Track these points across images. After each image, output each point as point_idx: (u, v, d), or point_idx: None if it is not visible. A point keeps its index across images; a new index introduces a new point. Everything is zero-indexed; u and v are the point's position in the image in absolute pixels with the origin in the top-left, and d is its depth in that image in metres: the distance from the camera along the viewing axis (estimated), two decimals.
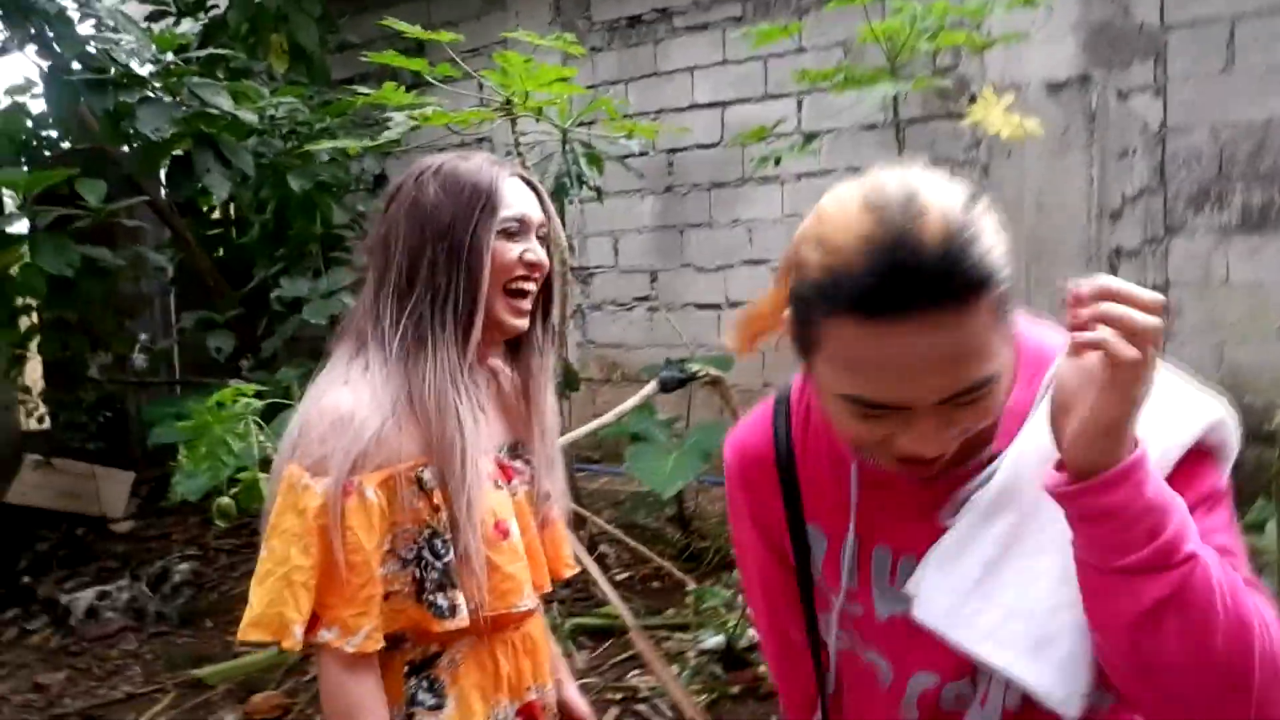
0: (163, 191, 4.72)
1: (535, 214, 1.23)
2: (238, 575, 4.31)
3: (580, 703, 1.42)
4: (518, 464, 1.27)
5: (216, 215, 5.59)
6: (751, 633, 2.92)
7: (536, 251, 1.21)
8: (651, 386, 3.21)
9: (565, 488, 1.37)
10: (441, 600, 1.13)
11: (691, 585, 3.23)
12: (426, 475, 1.13)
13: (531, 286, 1.22)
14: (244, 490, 2.50)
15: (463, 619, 1.13)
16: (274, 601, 1.07)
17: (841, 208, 0.77)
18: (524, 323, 1.23)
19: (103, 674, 3.64)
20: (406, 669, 1.17)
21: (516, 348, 1.30)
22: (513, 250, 1.19)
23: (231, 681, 3.32)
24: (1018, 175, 4.01)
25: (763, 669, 2.81)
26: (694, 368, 3.33)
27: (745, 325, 0.93)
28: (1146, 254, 3.81)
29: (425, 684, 1.17)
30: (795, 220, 4.22)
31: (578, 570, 1.44)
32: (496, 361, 1.29)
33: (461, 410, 1.13)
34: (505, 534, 1.19)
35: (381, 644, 1.11)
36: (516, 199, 1.21)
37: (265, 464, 2.55)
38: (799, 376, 0.99)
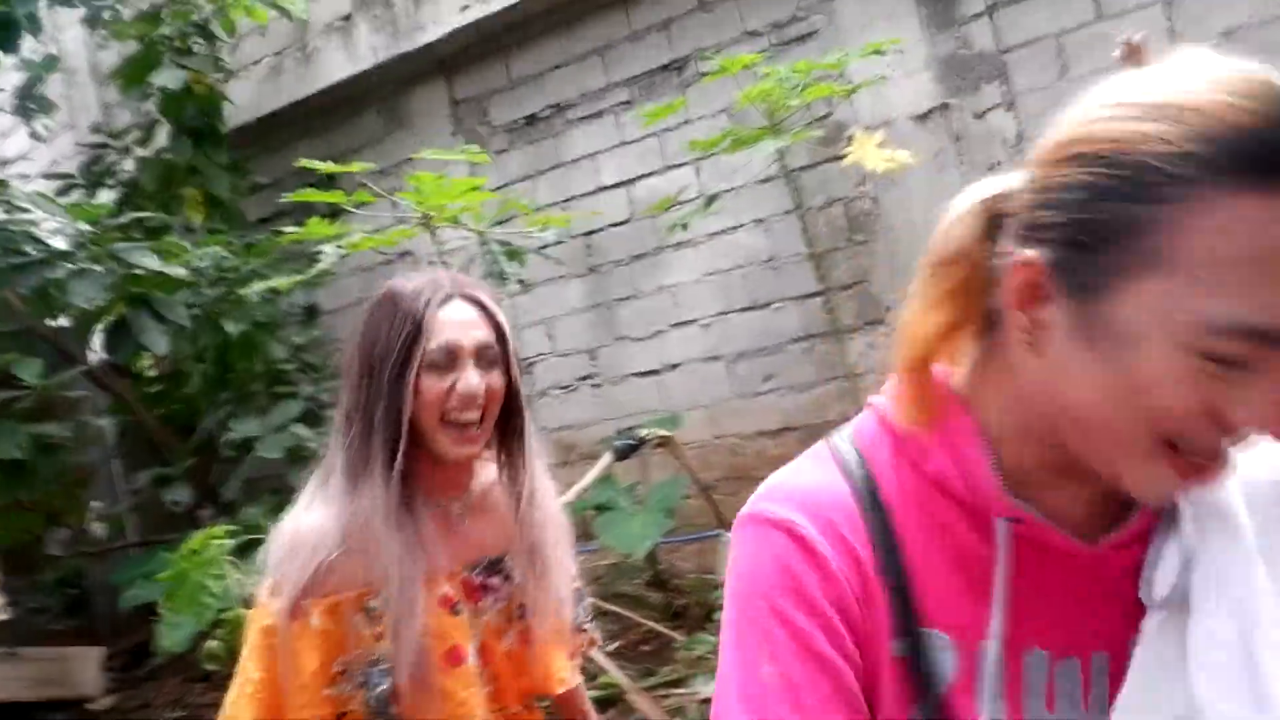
0: (91, 357, 4.77)
1: (472, 340, 1.17)
2: None
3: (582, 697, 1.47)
4: (494, 580, 1.27)
5: (154, 372, 5.61)
6: None
7: (469, 381, 1.16)
8: (607, 458, 3.35)
9: (566, 595, 1.30)
10: None
11: (680, 638, 3.32)
12: (374, 604, 1.17)
13: (472, 415, 1.18)
14: (229, 630, 2.55)
15: None
16: (234, 710, 1.20)
17: (1176, 81, 0.54)
18: (470, 450, 1.20)
19: None
20: None
21: (504, 458, 1.28)
22: (441, 383, 1.16)
23: None
24: (905, 201, 4.32)
25: None
26: (643, 432, 3.48)
27: (916, 342, 0.68)
28: None
29: None
30: (716, 275, 4.49)
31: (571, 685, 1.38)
32: (485, 470, 1.29)
33: (391, 544, 1.13)
34: (459, 660, 1.18)
35: None
36: (447, 328, 1.16)
37: (246, 603, 2.61)
38: (864, 417, 0.75)
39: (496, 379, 1.21)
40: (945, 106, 4.12)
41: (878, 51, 3.18)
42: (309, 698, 1.16)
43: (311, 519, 1.18)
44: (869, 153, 2.99)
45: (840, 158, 4.30)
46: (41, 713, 4.99)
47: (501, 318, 1.24)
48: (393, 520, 1.14)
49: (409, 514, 1.17)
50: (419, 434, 1.17)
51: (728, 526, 3.67)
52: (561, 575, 1.29)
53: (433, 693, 1.15)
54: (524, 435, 1.28)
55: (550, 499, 1.31)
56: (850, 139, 3.45)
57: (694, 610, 3.63)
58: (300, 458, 3.97)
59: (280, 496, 4.05)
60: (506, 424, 1.27)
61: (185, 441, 4.67)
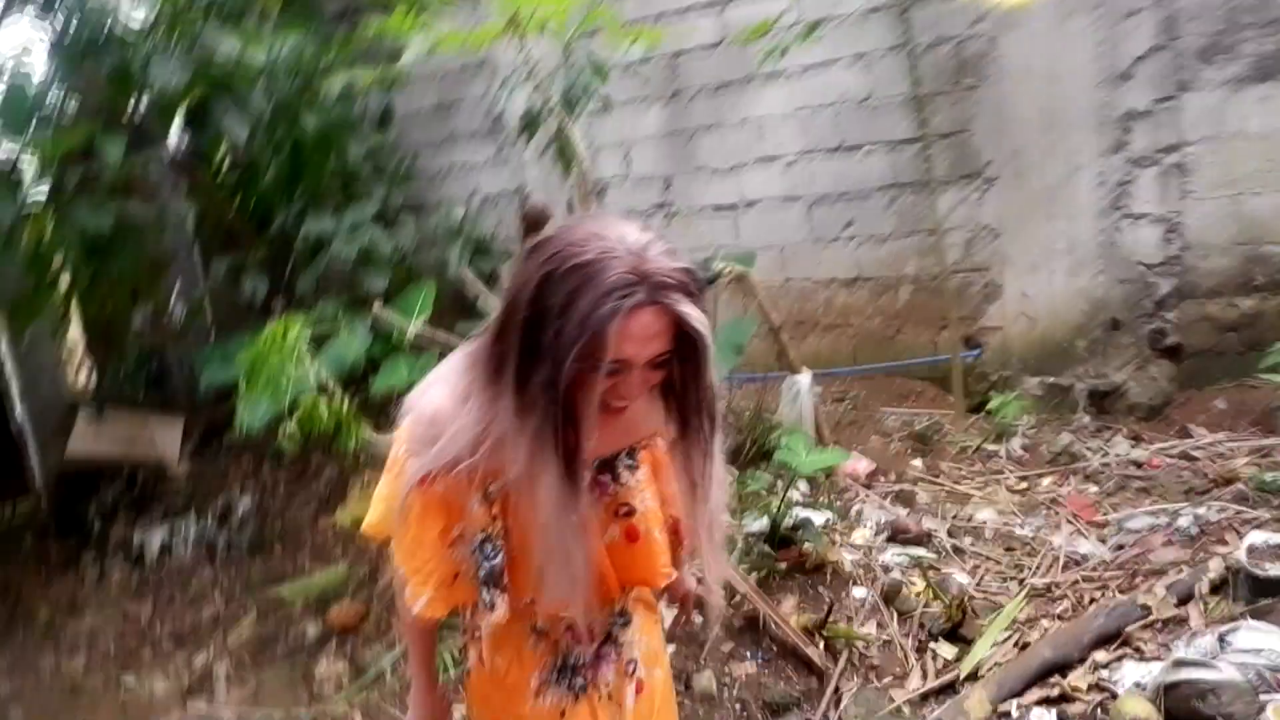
0: (173, 145, 4.78)
1: (648, 353, 1.10)
2: (297, 504, 4.53)
3: (680, 581, 1.56)
4: (604, 478, 1.30)
5: (228, 165, 5.63)
6: (795, 511, 3.08)
7: (632, 390, 1.13)
8: None
9: (686, 490, 1.27)
10: (486, 595, 1.25)
11: (733, 473, 3.38)
12: (492, 489, 1.21)
13: (620, 404, 1.15)
14: (305, 415, 2.65)
15: (501, 615, 1.26)
16: (380, 522, 1.33)
17: None
18: (616, 416, 1.19)
19: (185, 601, 3.89)
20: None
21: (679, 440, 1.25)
22: (605, 380, 1.11)
23: (309, 597, 3.54)
24: (1025, 45, 3.98)
25: (807, 545, 2.98)
26: (718, 266, 3.41)
27: None
28: (1159, 113, 3.80)
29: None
30: (805, 112, 4.27)
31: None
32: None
33: (571, 532, 1.16)
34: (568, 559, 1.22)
35: (441, 614, 1.28)
36: (627, 344, 1.07)
37: (321, 389, 2.70)
38: None
39: (659, 374, 1.16)
40: None
41: None
42: (432, 553, 1.24)
43: (449, 408, 1.19)
44: None
45: None
46: (125, 471, 5.38)
47: (696, 322, 1.09)
48: (567, 495, 1.14)
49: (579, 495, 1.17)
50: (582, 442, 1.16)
51: (794, 370, 3.64)
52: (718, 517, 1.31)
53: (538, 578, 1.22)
54: (705, 441, 1.23)
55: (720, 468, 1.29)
56: None
57: (749, 449, 3.68)
58: (372, 259, 4.01)
59: (351, 296, 4.15)
60: (683, 401, 1.21)
61: (260, 235, 4.74)
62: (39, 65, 4.31)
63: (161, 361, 5.83)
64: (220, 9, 4.32)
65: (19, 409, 5.22)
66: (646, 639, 1.45)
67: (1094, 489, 3.46)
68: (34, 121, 4.20)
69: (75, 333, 5.40)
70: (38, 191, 4.21)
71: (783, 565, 2.96)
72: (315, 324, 2.93)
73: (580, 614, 1.26)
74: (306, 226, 4.09)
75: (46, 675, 3.50)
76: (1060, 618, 2.62)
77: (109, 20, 3.77)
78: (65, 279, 4.23)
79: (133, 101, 4.18)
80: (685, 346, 1.12)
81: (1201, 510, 3.01)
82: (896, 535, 3.17)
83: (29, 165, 4.44)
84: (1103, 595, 2.68)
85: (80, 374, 5.55)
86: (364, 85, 3.63)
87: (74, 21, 3.79)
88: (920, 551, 3.06)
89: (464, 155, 5.91)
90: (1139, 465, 3.59)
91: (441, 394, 1.22)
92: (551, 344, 1.07)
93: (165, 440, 5.48)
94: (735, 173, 4.96)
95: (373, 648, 3.09)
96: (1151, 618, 2.45)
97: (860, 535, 3.20)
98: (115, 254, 3.93)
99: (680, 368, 1.17)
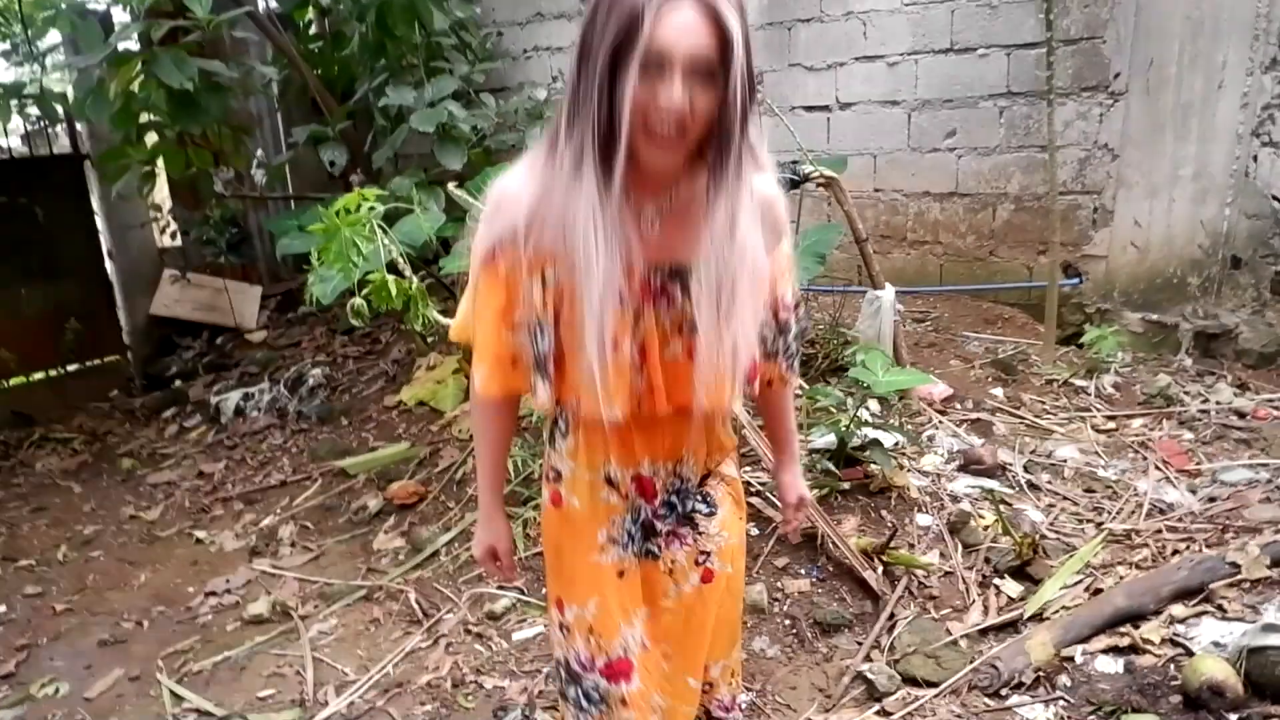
0: (261, 4, 4.68)
1: (686, 48, 1.07)
2: (365, 379, 4.59)
3: (792, 487, 1.58)
4: (673, 288, 1.23)
5: (314, 30, 5.53)
6: (864, 431, 2.97)
7: (670, 96, 1.08)
8: None
9: (743, 339, 1.22)
10: (533, 378, 1.29)
11: (803, 386, 3.27)
12: (548, 274, 1.21)
13: (669, 130, 1.10)
14: (375, 291, 2.61)
15: (543, 402, 1.29)
16: (462, 325, 1.38)
17: None
18: (665, 158, 1.14)
19: (256, 464, 4.02)
20: (559, 409, 1.37)
21: (711, 177, 1.18)
22: (649, 90, 1.09)
23: (371, 471, 3.61)
24: None
25: (874, 466, 2.87)
26: (807, 169, 3.22)
27: None
28: None
29: (562, 414, 1.37)
30: (916, 9, 3.94)
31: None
32: (694, 182, 1.21)
33: (598, 236, 1.13)
34: (613, 347, 1.20)
35: (495, 393, 1.33)
36: (664, 30, 1.06)
37: (391, 267, 2.65)
38: None
39: (706, 98, 1.10)
40: None
41: None
42: (494, 330, 1.28)
43: (517, 183, 1.24)
44: None
45: None
46: (205, 333, 5.54)
47: (734, 29, 1.08)
48: (600, 215, 1.14)
49: (619, 211, 1.16)
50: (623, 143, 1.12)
51: (876, 284, 3.46)
52: (745, 315, 1.21)
53: (585, 368, 1.21)
54: (731, 157, 1.14)
55: (750, 233, 1.19)
56: None
57: (820, 362, 3.55)
58: (450, 137, 3.90)
59: (428, 172, 4.08)
60: (719, 142, 1.15)
61: (342, 104, 4.66)
62: None
63: (242, 226, 5.91)
64: None
65: (108, 264, 5.37)
66: (728, 534, 1.45)
67: (1189, 435, 3.25)
68: None
69: (162, 193, 5.47)
70: (128, 42, 4.19)
71: (846, 485, 2.88)
72: (390, 199, 2.86)
73: (608, 373, 1.21)
74: (387, 98, 3.99)
75: (125, 521, 3.68)
76: (1138, 566, 2.49)
77: None
78: (152, 135, 4.24)
79: None
80: (725, 58, 1.09)
81: None
82: (968, 465, 3.04)
83: (122, 16, 4.42)
84: (1188, 548, 2.53)
85: (165, 234, 5.66)
86: None
87: None
88: (993, 484, 2.94)
89: (548, 37, 5.69)
90: (1242, 415, 3.35)
91: (512, 174, 1.27)
92: (594, 45, 1.10)
93: (244, 305, 5.60)
94: (832, 70, 4.66)
95: (429, 526, 3.13)
96: (1239, 576, 2.30)
97: (930, 461, 3.08)
98: (199, 112, 3.90)
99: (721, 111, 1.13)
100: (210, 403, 4.60)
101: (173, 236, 5.70)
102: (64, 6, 4.01)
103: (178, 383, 5.12)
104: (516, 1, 5.77)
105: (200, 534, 3.47)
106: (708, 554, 1.42)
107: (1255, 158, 3.60)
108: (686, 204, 1.22)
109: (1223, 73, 3.57)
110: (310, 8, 5.10)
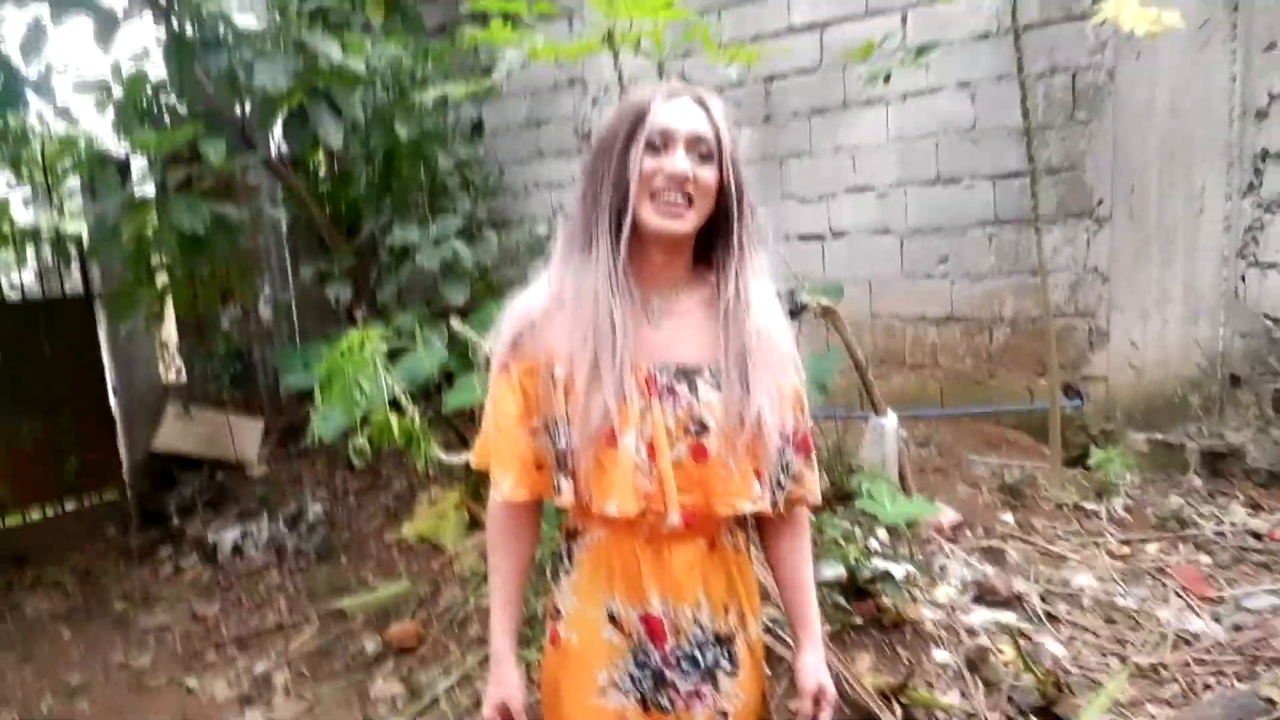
0: (273, 148, 4.89)
1: (687, 129, 1.23)
2: (366, 514, 4.53)
3: (812, 673, 1.38)
4: (680, 388, 1.24)
5: (323, 171, 5.76)
6: (874, 562, 2.90)
7: (676, 163, 1.21)
8: None
9: (767, 421, 1.22)
10: (555, 478, 1.29)
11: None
12: (558, 372, 1.25)
13: (677, 198, 1.22)
14: (376, 430, 2.61)
15: (567, 500, 1.28)
16: (481, 449, 1.37)
17: None
18: (673, 225, 1.22)
19: (252, 605, 3.91)
20: (564, 533, 1.38)
21: (716, 263, 1.28)
22: (655, 162, 1.22)
23: (369, 612, 3.51)
24: (1149, 77, 3.74)
25: (886, 599, 2.79)
26: (805, 298, 3.27)
27: None
28: None
29: (567, 549, 1.37)
30: (903, 141, 4.09)
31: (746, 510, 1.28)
32: (696, 286, 1.30)
33: (614, 305, 1.20)
34: (612, 441, 1.23)
35: (524, 497, 1.31)
36: (668, 115, 1.23)
37: (394, 404, 2.66)
38: None
39: (708, 172, 1.24)
40: None
41: None
42: (515, 436, 1.29)
43: (528, 294, 1.31)
44: (1127, 10, 2.52)
45: (1081, 17, 3.75)
46: (205, 469, 5.50)
47: (723, 123, 1.26)
48: (615, 283, 1.21)
49: (629, 290, 1.23)
50: (631, 210, 1.23)
51: (879, 411, 3.46)
52: (767, 398, 1.23)
53: (594, 466, 1.24)
54: (736, 240, 1.26)
55: (770, 312, 1.28)
56: None
57: (827, 491, 3.51)
58: (455, 273, 3.99)
59: (431, 307, 4.15)
60: (720, 227, 1.27)
61: (349, 241, 4.79)
62: (156, 67, 4.47)
63: (247, 361, 5.97)
64: (325, 16, 4.41)
65: (112, 399, 5.39)
66: (747, 696, 1.38)
67: (1206, 559, 3.18)
68: (145, 121, 4.34)
69: (168, 329, 5.56)
70: (144, 189, 4.35)
71: (858, 619, 2.79)
72: (392, 336, 2.90)
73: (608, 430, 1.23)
74: (393, 235, 4.11)
75: (114, 669, 3.55)
76: (1169, 704, 2.38)
77: (220, 23, 3.86)
78: (162, 276, 4.35)
79: (237, 105, 4.29)
80: (719, 144, 1.25)
81: None
82: (983, 595, 2.95)
83: (139, 162, 4.59)
84: (1218, 682, 2.43)
85: (170, 370, 5.71)
86: (457, 97, 3.62)
87: (188, 23, 3.90)
88: (1009, 616, 2.85)
89: (550, 172, 5.90)
90: (1258, 536, 3.29)
91: (524, 292, 1.33)
92: (608, 140, 1.24)
93: (245, 440, 5.59)
94: (824, 202, 4.81)
95: (429, 670, 3.02)
96: (1276, 714, 2.20)
97: (943, 592, 2.99)
98: (209, 253, 4.01)
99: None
100: (207, 540, 4.52)
101: (178, 373, 5.75)
102: (84, 156, 4.18)
103: (176, 519, 5.04)
104: (518, 140, 6.01)
105: (191, 682, 3.34)
106: (725, 715, 1.35)
107: (1243, 278, 3.67)
108: (686, 305, 1.28)
109: (1202, 198, 3.68)
110: (319, 150, 5.31)
